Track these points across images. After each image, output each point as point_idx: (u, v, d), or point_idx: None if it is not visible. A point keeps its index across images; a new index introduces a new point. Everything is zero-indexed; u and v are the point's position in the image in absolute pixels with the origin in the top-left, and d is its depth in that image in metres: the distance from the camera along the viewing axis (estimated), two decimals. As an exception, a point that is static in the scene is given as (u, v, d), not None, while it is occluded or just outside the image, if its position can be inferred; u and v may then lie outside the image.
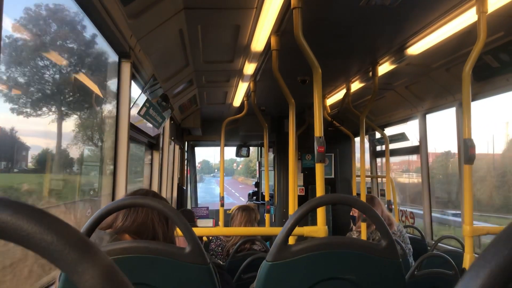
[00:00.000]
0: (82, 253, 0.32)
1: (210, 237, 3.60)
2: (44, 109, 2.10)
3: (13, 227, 0.32)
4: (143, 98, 2.93)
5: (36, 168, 2.13)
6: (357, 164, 4.90)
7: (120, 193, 2.39)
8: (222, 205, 4.62)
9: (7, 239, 0.32)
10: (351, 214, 3.78)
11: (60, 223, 0.33)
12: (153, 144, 4.10)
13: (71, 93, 2.42)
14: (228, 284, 1.63)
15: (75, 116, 2.48)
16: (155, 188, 4.09)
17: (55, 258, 0.32)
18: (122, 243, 1.16)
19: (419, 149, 4.49)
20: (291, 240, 2.35)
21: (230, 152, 7.85)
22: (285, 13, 2.40)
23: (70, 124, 2.44)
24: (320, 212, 2.17)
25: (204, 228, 4.23)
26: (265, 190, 4.58)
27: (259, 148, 8.17)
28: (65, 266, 0.32)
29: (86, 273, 0.31)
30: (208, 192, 27.40)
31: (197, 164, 8.88)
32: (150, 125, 3.31)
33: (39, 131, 2.11)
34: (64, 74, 2.32)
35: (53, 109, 2.16)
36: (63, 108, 2.27)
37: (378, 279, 1.23)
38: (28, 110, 1.98)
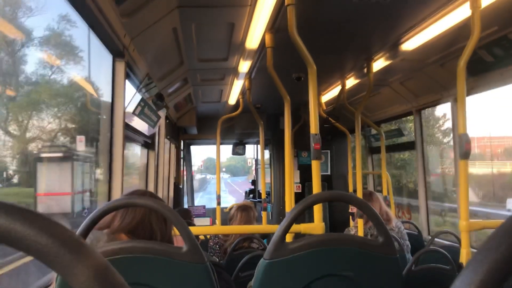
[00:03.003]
0: (77, 254, 0.31)
1: (208, 236, 3.59)
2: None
3: (6, 230, 0.31)
4: (138, 97, 2.92)
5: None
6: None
7: (116, 193, 2.37)
8: (219, 203, 4.61)
9: (0, 242, 0.31)
10: (349, 211, 3.77)
11: (54, 224, 0.32)
12: (148, 144, 4.09)
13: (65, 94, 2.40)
14: (227, 283, 1.62)
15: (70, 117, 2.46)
16: (151, 187, 4.08)
17: (50, 260, 0.31)
18: (119, 243, 1.15)
19: (414, 145, 4.50)
20: (288, 238, 2.35)
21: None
22: (279, 10, 2.39)
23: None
24: (317, 209, 2.17)
25: (202, 226, 4.22)
26: (262, 187, 4.57)
27: (255, 146, 8.16)
28: (60, 268, 0.31)
29: (81, 275, 0.31)
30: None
31: (200, 162, 8.78)
32: (145, 124, 3.29)
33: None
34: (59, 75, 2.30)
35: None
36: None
37: (376, 275, 1.23)
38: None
